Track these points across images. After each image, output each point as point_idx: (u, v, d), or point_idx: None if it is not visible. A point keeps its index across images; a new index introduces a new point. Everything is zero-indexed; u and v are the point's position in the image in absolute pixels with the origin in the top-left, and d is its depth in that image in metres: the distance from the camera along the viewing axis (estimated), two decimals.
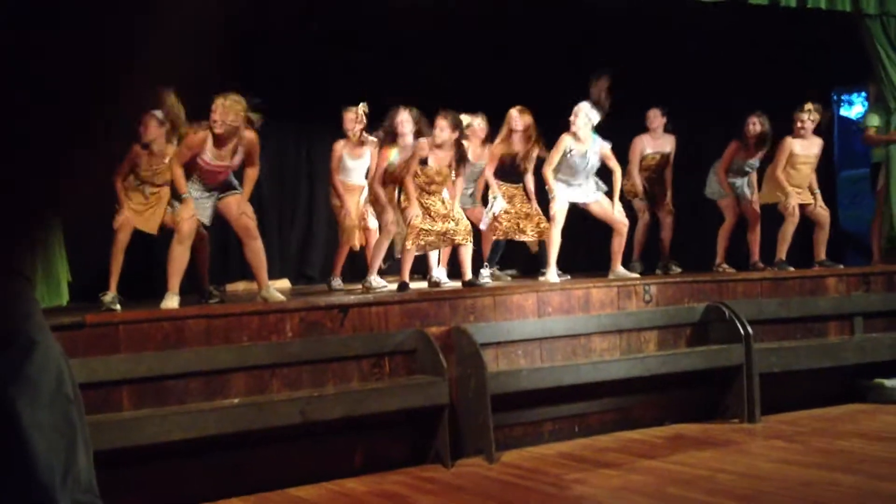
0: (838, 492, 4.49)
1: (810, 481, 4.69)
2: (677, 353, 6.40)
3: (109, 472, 4.44)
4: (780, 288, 7.06)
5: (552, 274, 7.00)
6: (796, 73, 7.90)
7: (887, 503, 4.28)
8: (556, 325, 6.14)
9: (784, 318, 6.91)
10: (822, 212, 7.95)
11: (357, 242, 7.69)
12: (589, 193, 7.23)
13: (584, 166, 7.12)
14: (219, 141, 5.77)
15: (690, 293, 6.71)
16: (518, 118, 7.20)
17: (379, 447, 5.46)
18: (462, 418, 5.53)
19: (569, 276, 7.19)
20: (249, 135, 5.86)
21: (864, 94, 10.05)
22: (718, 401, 6.45)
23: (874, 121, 8.43)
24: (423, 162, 6.59)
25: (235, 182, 6.05)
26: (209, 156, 5.79)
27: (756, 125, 7.75)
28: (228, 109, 5.67)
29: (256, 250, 5.93)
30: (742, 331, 6.32)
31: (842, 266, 7.84)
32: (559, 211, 7.09)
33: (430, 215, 6.58)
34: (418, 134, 6.71)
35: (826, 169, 8.47)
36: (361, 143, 7.48)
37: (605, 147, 7.14)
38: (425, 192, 6.61)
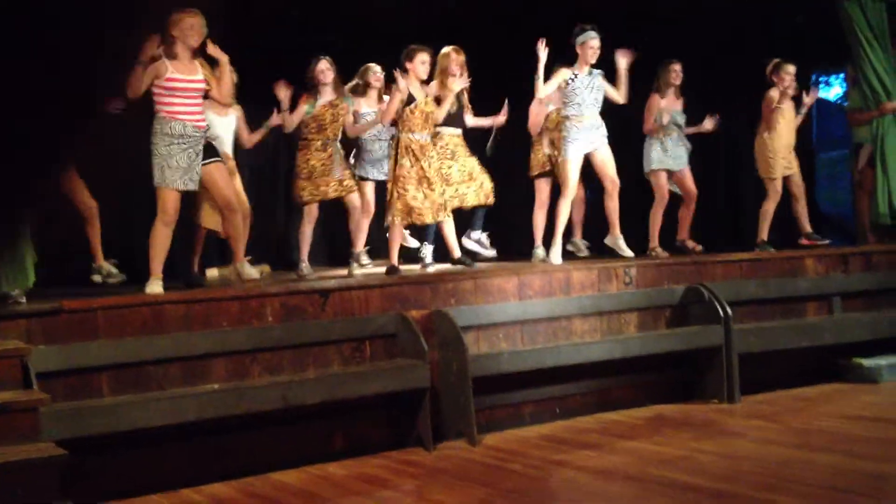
0: (816, 471, 4.53)
1: (789, 460, 4.74)
2: (657, 334, 6.44)
3: (90, 458, 4.44)
4: (759, 269, 7.09)
5: (556, 254, 6.91)
6: (774, 55, 7.91)
7: (865, 482, 4.32)
8: (536, 308, 6.15)
9: (763, 298, 6.94)
10: (799, 181, 7.85)
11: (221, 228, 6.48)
12: (600, 138, 7.02)
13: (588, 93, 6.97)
14: (183, 61, 5.56)
15: (670, 275, 6.73)
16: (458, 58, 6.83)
17: (360, 431, 5.47)
18: (443, 401, 5.54)
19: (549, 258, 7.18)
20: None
21: (842, 75, 10.08)
22: (698, 381, 6.48)
23: (855, 101, 8.46)
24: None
25: (216, 145, 5.98)
26: (177, 73, 5.53)
27: (678, 65, 7.67)
28: (200, 28, 5.54)
29: (237, 224, 5.97)
30: (721, 312, 6.35)
31: (828, 241, 7.87)
32: (572, 176, 6.94)
33: (423, 188, 6.44)
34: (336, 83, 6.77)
35: (805, 150, 8.48)
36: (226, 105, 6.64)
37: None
38: (417, 157, 6.44)
